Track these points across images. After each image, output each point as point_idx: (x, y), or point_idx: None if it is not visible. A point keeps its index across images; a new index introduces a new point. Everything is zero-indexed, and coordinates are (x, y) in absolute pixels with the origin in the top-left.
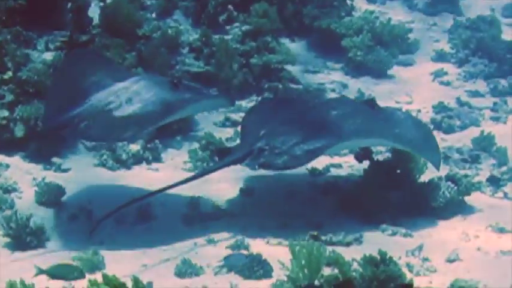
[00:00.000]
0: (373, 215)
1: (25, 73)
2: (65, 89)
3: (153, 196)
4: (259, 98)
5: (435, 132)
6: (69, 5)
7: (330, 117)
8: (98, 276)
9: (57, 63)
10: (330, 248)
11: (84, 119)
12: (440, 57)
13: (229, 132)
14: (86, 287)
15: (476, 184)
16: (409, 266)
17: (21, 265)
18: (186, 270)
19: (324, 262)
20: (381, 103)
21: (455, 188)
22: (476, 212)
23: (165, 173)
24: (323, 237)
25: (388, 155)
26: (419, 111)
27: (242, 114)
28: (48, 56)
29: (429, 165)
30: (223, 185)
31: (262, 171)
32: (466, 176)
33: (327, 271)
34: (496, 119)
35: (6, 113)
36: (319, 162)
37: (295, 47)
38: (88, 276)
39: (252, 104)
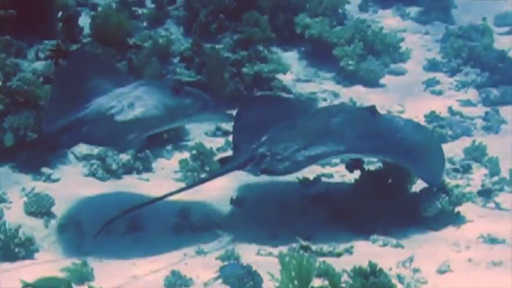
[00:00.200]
0: (364, 225)
1: (15, 83)
2: (66, 93)
3: (157, 202)
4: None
5: None
6: (60, 14)
7: (331, 125)
8: None
9: (47, 73)
10: (320, 259)
11: (85, 123)
12: (432, 66)
13: (220, 142)
14: None
15: (468, 194)
16: (400, 277)
17: (10, 276)
18: (176, 281)
19: (314, 273)
20: None
21: (447, 198)
22: (467, 222)
23: (156, 182)
24: (314, 248)
25: (379, 164)
26: None
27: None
28: (38, 65)
29: None
30: (214, 195)
31: (254, 179)
32: (457, 186)
33: (317, 283)
34: (488, 129)
35: None
36: (310, 172)
37: (286, 56)
38: None
39: None
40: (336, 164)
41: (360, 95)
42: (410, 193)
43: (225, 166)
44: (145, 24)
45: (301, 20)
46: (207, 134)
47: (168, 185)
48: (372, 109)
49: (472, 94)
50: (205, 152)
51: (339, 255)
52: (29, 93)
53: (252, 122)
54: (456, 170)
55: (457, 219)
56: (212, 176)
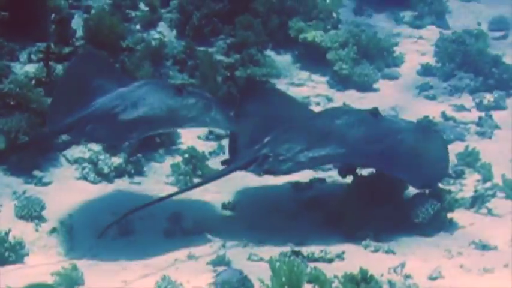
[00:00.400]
0: (356, 230)
1: (6, 85)
2: (70, 92)
3: (159, 202)
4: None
5: None
6: (52, 16)
7: (334, 126)
8: None
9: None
10: (311, 265)
11: (89, 122)
12: (426, 70)
13: (212, 145)
14: None
15: (460, 200)
16: (391, 284)
17: None
18: (166, 286)
19: (305, 279)
20: None
21: (439, 204)
22: (459, 228)
23: (148, 186)
24: (305, 253)
25: (372, 170)
26: None
27: None
28: (31, 68)
29: None
30: (206, 199)
31: (246, 184)
32: (449, 192)
33: None
34: (481, 134)
35: None
36: (303, 177)
37: (280, 59)
38: None
39: None
40: (328, 169)
41: (354, 100)
42: (403, 198)
43: (229, 166)
44: (138, 26)
45: (295, 24)
46: (199, 138)
47: (160, 189)
48: (375, 111)
49: (465, 99)
50: (198, 156)
51: (330, 260)
52: (21, 96)
53: (253, 114)
54: (449, 176)
55: (449, 225)
56: (217, 175)
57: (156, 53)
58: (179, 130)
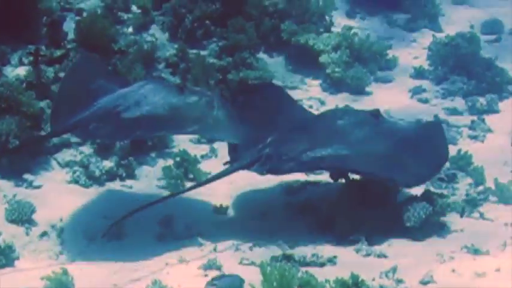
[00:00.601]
0: (348, 234)
1: None
2: (72, 94)
3: (159, 203)
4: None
5: None
6: (44, 19)
7: (336, 127)
8: None
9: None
10: (303, 269)
11: (93, 121)
12: (418, 74)
13: (204, 149)
14: None
15: (452, 204)
16: None
17: None
18: None
19: (296, 284)
20: None
21: (431, 208)
22: (451, 232)
23: (139, 190)
24: (297, 258)
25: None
26: None
27: None
28: (22, 71)
29: None
30: (198, 203)
31: (237, 188)
32: (441, 196)
33: None
34: (473, 137)
35: None
36: (295, 181)
37: (272, 62)
38: None
39: None
40: (320, 173)
41: (347, 103)
42: (395, 202)
43: (232, 166)
44: (130, 29)
45: (287, 27)
46: (191, 141)
47: (151, 193)
48: (376, 113)
49: (458, 102)
50: (189, 159)
51: (322, 265)
52: (12, 99)
53: (260, 115)
54: (441, 180)
55: (441, 229)
56: (221, 174)
57: (148, 56)
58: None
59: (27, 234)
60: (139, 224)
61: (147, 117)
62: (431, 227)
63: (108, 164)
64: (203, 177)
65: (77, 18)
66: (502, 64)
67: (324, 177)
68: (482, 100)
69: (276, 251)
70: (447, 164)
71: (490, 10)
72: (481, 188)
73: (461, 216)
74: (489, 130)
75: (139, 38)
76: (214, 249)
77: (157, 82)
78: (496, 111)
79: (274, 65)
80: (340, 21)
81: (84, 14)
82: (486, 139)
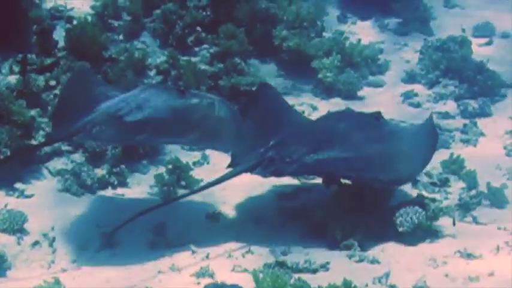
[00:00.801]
0: (341, 240)
1: None
2: (72, 102)
3: (160, 207)
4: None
5: None
6: (34, 27)
7: (339, 129)
8: None
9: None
10: (296, 275)
11: (95, 125)
12: (410, 78)
13: (196, 156)
14: None
15: (445, 209)
16: None
17: None
18: None
19: None
20: None
21: (423, 213)
22: (444, 237)
23: (131, 197)
24: (289, 264)
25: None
26: None
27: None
28: (13, 79)
29: (398, 188)
30: (190, 210)
31: (232, 194)
32: (434, 200)
33: None
34: (466, 141)
35: None
36: (288, 186)
37: (264, 68)
38: None
39: None
40: (313, 178)
41: (339, 108)
42: (387, 208)
43: (235, 169)
44: (121, 37)
45: (279, 32)
46: (183, 148)
47: (143, 200)
48: (377, 115)
49: (450, 106)
50: (181, 166)
51: (314, 271)
52: (2, 108)
53: (254, 118)
54: (434, 184)
55: (434, 234)
56: (223, 178)
57: (139, 63)
58: None
59: (18, 243)
60: (131, 232)
61: (149, 121)
62: (424, 231)
63: (99, 172)
64: (195, 184)
65: (67, 26)
66: (494, 67)
67: (317, 182)
68: (474, 104)
69: (269, 257)
70: (439, 168)
71: (482, 13)
72: (473, 192)
73: (454, 224)
74: (481, 134)
75: (130, 46)
76: (207, 257)
77: (159, 86)
78: (488, 115)
79: (265, 71)
80: (331, 26)
81: (75, 22)
82: (478, 143)
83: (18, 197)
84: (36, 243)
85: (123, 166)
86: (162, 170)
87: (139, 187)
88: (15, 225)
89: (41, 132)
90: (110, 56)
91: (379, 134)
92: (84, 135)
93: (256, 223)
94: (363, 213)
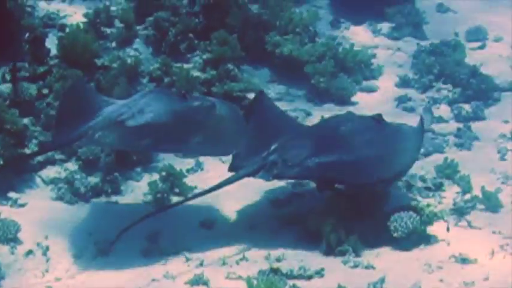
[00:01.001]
0: (335, 246)
1: None
2: (72, 113)
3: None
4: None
5: None
6: (27, 35)
7: (340, 132)
8: None
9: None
10: (290, 282)
11: (98, 130)
12: (404, 82)
13: (189, 163)
14: None
15: (439, 213)
16: None
17: None
18: None
19: None
20: None
21: (418, 217)
22: (439, 242)
23: (125, 205)
24: (284, 270)
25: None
26: None
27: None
28: (5, 88)
29: (392, 193)
30: (184, 218)
31: (226, 201)
32: (428, 205)
33: None
34: (460, 145)
35: None
36: (282, 193)
37: (257, 74)
38: None
39: None
40: (307, 184)
41: (332, 113)
42: (381, 213)
43: (238, 173)
44: (114, 44)
45: (271, 38)
46: (177, 155)
47: (137, 208)
48: (378, 117)
49: (444, 110)
50: (175, 173)
51: (309, 277)
52: None
53: (264, 126)
54: (428, 189)
55: (429, 239)
56: (226, 182)
57: (132, 70)
58: None
59: (12, 253)
60: (125, 240)
61: (151, 125)
62: (418, 236)
63: (93, 180)
64: (189, 191)
65: (60, 34)
66: (487, 71)
67: (311, 188)
68: (468, 108)
69: (263, 264)
70: (434, 173)
71: (474, 17)
72: (468, 196)
73: (448, 230)
74: (475, 138)
75: (122, 53)
76: (201, 264)
77: (160, 91)
78: (482, 119)
79: (259, 77)
80: (324, 31)
81: (67, 30)
82: (473, 147)
83: (11, 206)
84: (29, 252)
85: (116, 174)
86: (155, 177)
87: (133, 194)
88: (9, 235)
89: (34, 141)
90: (103, 63)
91: (381, 136)
92: (86, 141)
93: (250, 230)
94: (357, 219)
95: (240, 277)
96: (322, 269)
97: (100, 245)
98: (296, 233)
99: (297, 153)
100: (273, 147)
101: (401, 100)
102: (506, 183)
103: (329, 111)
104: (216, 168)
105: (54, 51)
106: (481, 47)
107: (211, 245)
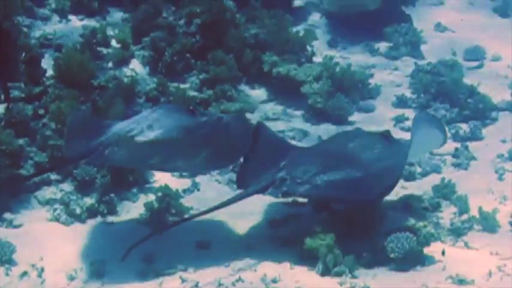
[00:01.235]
0: (331, 267)
1: None
2: (81, 133)
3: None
4: None
5: None
6: (23, 55)
7: (348, 149)
8: None
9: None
10: None
11: (107, 146)
12: (401, 102)
13: (186, 183)
14: None
15: (436, 234)
16: None
17: None
18: None
19: None
20: None
21: (415, 238)
22: (436, 262)
23: (121, 226)
24: None
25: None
26: None
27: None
28: (1, 108)
29: (389, 214)
30: (180, 238)
31: (222, 222)
32: (425, 225)
33: None
34: (457, 165)
35: None
36: (278, 213)
37: (254, 94)
38: None
39: None
40: (302, 204)
41: (329, 133)
42: (378, 233)
43: (247, 190)
44: (110, 64)
45: (268, 58)
46: (173, 176)
47: (133, 228)
48: (386, 134)
49: None
50: (171, 194)
51: None
52: None
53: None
54: (425, 209)
55: (426, 260)
56: (234, 199)
57: (128, 90)
58: None
59: (7, 274)
60: (120, 262)
61: (161, 140)
62: (415, 257)
63: (89, 201)
64: (186, 212)
65: (57, 54)
66: (485, 91)
67: (307, 208)
68: (465, 127)
69: (259, 285)
70: (431, 193)
71: (472, 36)
72: (465, 216)
73: (443, 254)
74: (473, 158)
75: (119, 73)
76: (196, 285)
77: (169, 107)
78: (480, 138)
79: (255, 97)
80: (321, 51)
81: (63, 50)
82: (470, 167)
83: (6, 227)
84: (24, 273)
85: (112, 194)
86: (151, 197)
87: (129, 215)
88: (4, 256)
89: (30, 162)
90: (99, 83)
91: (389, 152)
92: (96, 157)
93: (246, 250)
94: (353, 239)
95: None
96: None
97: (95, 266)
98: (292, 254)
99: (305, 170)
100: (282, 164)
101: (398, 120)
102: (503, 203)
103: (326, 131)
104: (212, 189)
105: (50, 72)
106: (479, 67)
107: (207, 265)
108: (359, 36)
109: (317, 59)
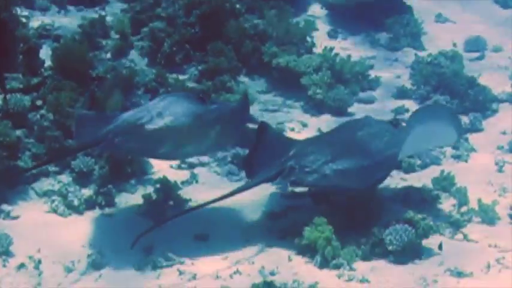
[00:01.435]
0: (329, 259)
1: None
2: (90, 126)
3: (187, 213)
4: None
5: (395, 172)
6: (20, 46)
7: (357, 137)
8: None
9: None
10: None
11: (117, 134)
12: (401, 93)
13: (185, 174)
14: None
15: (435, 226)
16: None
17: None
18: None
19: None
20: None
21: (413, 230)
22: (434, 255)
23: (119, 218)
24: (278, 284)
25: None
26: None
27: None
28: None
29: (388, 206)
30: (178, 230)
31: (221, 214)
32: (424, 218)
33: None
34: (457, 157)
35: None
36: (277, 206)
37: (253, 85)
38: None
39: None
40: (302, 196)
41: (329, 124)
42: (377, 225)
43: (255, 179)
44: (109, 55)
45: (268, 49)
46: (171, 167)
47: (131, 220)
48: (395, 121)
49: None
50: (169, 185)
51: None
52: None
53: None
54: (424, 201)
55: (424, 252)
56: (243, 188)
57: (127, 81)
58: (151, 159)
59: (4, 266)
60: (118, 253)
61: (170, 128)
62: (413, 250)
63: (87, 192)
64: (184, 203)
65: (55, 45)
66: (485, 82)
67: (306, 201)
68: (465, 119)
69: (257, 277)
70: (430, 185)
71: (473, 28)
72: (464, 208)
73: (440, 248)
74: (473, 149)
75: (117, 64)
76: (194, 277)
77: (178, 94)
78: (480, 130)
79: (255, 88)
80: (322, 41)
81: (62, 41)
82: (470, 159)
83: (4, 218)
84: (21, 265)
85: (110, 186)
86: (150, 189)
87: (127, 207)
88: (1, 248)
89: (27, 153)
90: (97, 74)
91: (397, 141)
92: (106, 145)
93: (244, 243)
94: (352, 232)
95: None
96: (317, 283)
97: (93, 257)
98: (291, 246)
99: (314, 159)
100: (290, 153)
101: (398, 111)
102: (503, 195)
103: (326, 122)
104: (211, 180)
105: (48, 63)
106: (480, 58)
107: (205, 258)
108: (359, 27)
109: (317, 50)
